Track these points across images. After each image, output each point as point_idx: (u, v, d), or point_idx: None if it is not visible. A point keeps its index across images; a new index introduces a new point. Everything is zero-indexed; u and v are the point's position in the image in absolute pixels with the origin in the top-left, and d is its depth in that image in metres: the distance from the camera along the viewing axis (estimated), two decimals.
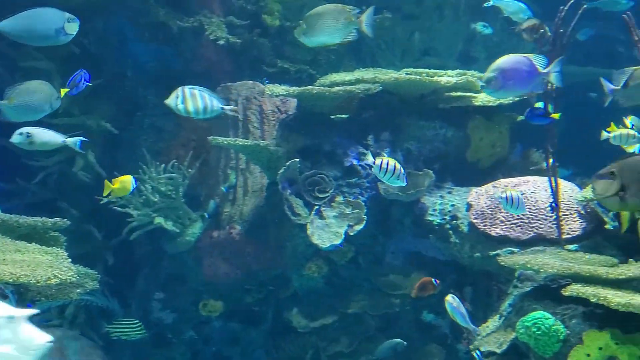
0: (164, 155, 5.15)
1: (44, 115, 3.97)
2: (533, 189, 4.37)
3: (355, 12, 3.79)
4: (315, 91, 4.56)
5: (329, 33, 3.84)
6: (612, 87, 3.07)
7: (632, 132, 4.04)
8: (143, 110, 5.54)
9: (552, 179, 4.18)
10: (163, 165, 5.02)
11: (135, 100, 5.51)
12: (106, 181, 4.32)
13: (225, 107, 3.71)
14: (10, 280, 2.91)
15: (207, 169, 5.19)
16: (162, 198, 5.03)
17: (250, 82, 5.03)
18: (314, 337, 4.85)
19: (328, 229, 4.51)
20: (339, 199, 4.59)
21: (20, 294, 3.87)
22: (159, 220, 5.03)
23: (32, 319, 2.20)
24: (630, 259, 3.93)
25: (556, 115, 4.00)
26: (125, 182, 4.31)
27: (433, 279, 4.24)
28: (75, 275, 3.60)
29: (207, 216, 5.03)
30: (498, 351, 4.11)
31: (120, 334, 4.99)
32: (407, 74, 4.76)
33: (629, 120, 4.22)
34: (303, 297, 4.94)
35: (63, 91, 3.99)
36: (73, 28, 3.90)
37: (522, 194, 4.10)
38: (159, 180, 5.04)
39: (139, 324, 5.00)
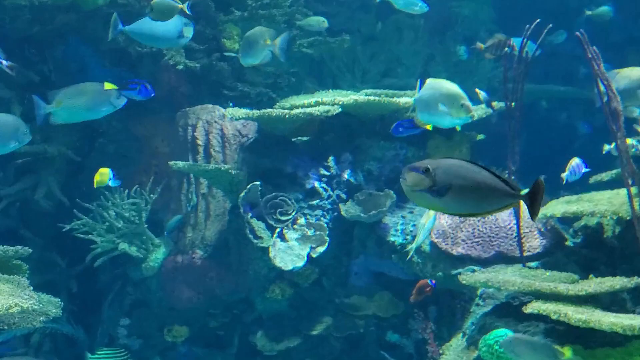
0: (127, 181, 5.12)
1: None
2: None
3: (272, 35, 4.00)
4: (274, 114, 4.57)
5: (251, 55, 4.15)
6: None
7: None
8: (106, 136, 5.51)
9: None
10: (127, 191, 5.00)
11: (97, 127, 5.48)
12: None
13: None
14: None
15: (169, 194, 5.18)
16: (126, 224, 5.00)
17: (211, 105, 5.03)
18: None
19: (291, 252, 4.51)
20: (301, 221, 4.60)
21: None
22: (123, 246, 5.00)
23: None
24: (591, 275, 3.98)
25: (428, 127, 4.06)
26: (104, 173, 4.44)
27: (429, 280, 4.23)
28: (37, 303, 3.57)
29: (166, 234, 5.01)
30: None
31: None
32: (366, 95, 4.79)
33: None
34: (267, 320, 4.92)
35: (109, 85, 4.04)
36: (189, 32, 4.19)
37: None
38: (122, 206, 5.02)
39: (124, 353, 4.99)
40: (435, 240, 4.36)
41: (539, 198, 2.31)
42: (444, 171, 2.32)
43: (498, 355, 3.64)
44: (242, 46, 4.21)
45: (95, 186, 4.55)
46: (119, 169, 5.26)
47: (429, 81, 3.76)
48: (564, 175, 4.21)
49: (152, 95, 4.09)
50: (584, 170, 4.21)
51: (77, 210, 5.03)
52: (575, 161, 4.20)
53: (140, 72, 5.16)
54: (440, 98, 3.61)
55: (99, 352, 4.99)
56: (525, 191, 2.31)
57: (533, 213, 2.33)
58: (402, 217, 4.63)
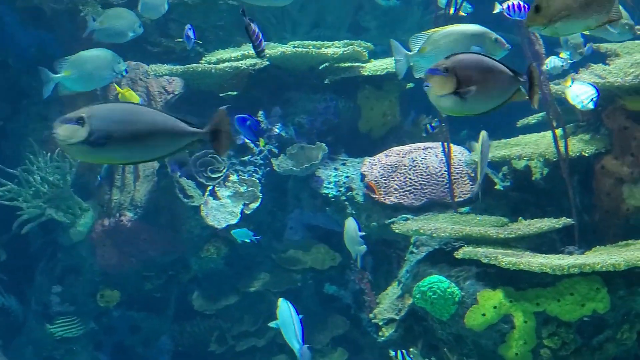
0: (51, 144, 4.96)
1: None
2: (424, 155, 4.41)
3: None
4: (200, 69, 4.46)
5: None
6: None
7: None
8: (29, 98, 5.31)
9: (445, 143, 4.22)
10: (50, 154, 4.85)
11: (20, 89, 5.28)
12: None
13: None
14: None
15: None
16: (51, 188, 4.86)
17: (134, 62, 4.86)
18: (219, 319, 4.80)
19: (223, 209, 4.45)
20: (233, 177, 4.53)
21: None
22: (49, 211, 4.87)
23: None
24: (520, 218, 4.03)
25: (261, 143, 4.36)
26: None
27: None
28: None
29: (99, 178, 4.87)
30: (397, 318, 4.15)
31: (64, 332, 4.93)
32: (294, 47, 4.70)
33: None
34: (204, 279, 4.87)
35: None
36: None
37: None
38: (47, 170, 4.87)
39: (76, 320, 4.94)
40: (368, 191, 4.34)
41: (536, 82, 2.40)
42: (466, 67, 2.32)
43: (432, 302, 3.66)
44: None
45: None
46: (40, 131, 5.11)
47: (432, 33, 3.48)
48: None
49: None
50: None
51: (1, 177, 4.88)
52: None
53: (57, 31, 4.97)
54: (470, 40, 3.36)
55: (56, 322, 4.97)
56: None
57: (532, 96, 2.40)
58: (335, 169, 4.59)
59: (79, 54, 3.97)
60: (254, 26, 3.20)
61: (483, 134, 3.75)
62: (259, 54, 3.26)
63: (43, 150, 4.87)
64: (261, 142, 4.28)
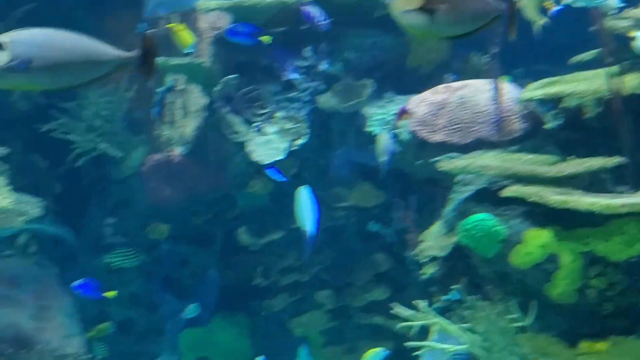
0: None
1: None
2: (473, 92, 4.32)
3: None
4: (247, 3, 4.42)
5: None
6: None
7: None
8: (80, 30, 5.35)
9: (494, 80, 4.14)
10: (102, 88, 4.92)
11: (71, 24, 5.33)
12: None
13: None
14: None
15: (146, 92, 5.08)
16: (104, 122, 4.95)
17: None
18: (263, 254, 4.86)
19: (269, 145, 4.46)
20: (279, 114, 4.52)
21: None
22: (102, 145, 4.97)
23: None
24: (570, 156, 3.94)
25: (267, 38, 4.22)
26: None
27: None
28: (13, 202, 3.55)
29: (156, 110, 4.91)
30: (441, 256, 4.14)
31: (120, 262, 5.04)
32: None
33: None
34: (249, 215, 4.92)
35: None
36: None
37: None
38: (99, 104, 4.95)
39: (134, 252, 5.05)
40: (415, 129, 4.29)
41: (515, 13, 2.23)
42: None
43: (477, 239, 3.64)
44: None
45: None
46: None
47: None
48: None
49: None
50: None
51: (56, 110, 4.97)
52: None
53: None
54: None
55: (113, 253, 5.08)
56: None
57: (511, 27, 2.25)
58: (381, 106, 4.54)
59: None
60: None
61: None
62: None
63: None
64: (265, 38, 4.12)
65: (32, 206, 4.06)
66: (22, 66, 2.10)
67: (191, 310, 5.00)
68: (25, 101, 5.20)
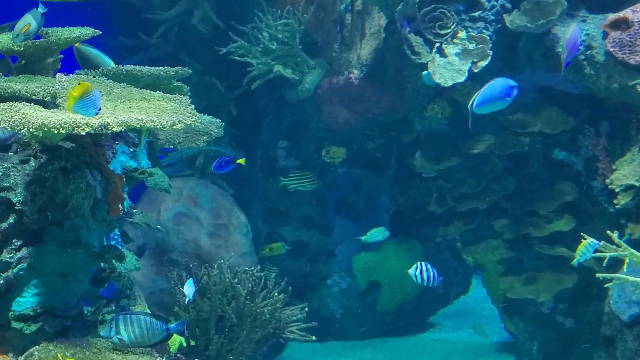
0: (280, 1, 5.01)
1: None
2: None
3: None
4: None
5: None
6: None
7: None
8: None
9: None
10: (279, 12, 4.90)
11: None
12: None
13: None
14: (137, 125, 2.90)
15: (323, 14, 5.02)
16: (280, 45, 4.94)
17: None
18: (439, 180, 4.74)
19: (450, 67, 4.29)
20: (462, 34, 4.32)
21: (150, 143, 3.97)
22: (277, 68, 4.97)
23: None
24: None
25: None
26: None
27: None
28: (199, 121, 3.60)
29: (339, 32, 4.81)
30: (637, 184, 3.89)
31: (297, 185, 5.13)
32: None
33: None
34: (426, 140, 4.81)
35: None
36: None
37: None
38: (276, 27, 4.94)
39: (312, 176, 5.12)
40: (611, 50, 3.98)
41: None
42: None
43: None
44: None
45: None
46: None
47: None
48: None
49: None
50: None
51: (232, 33, 5.02)
52: None
53: None
54: None
55: (290, 175, 5.15)
56: None
57: None
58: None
59: None
60: None
61: None
62: None
63: (272, 8, 4.94)
64: None
65: (215, 127, 4.12)
66: None
67: (373, 235, 4.99)
68: (204, 24, 5.29)
